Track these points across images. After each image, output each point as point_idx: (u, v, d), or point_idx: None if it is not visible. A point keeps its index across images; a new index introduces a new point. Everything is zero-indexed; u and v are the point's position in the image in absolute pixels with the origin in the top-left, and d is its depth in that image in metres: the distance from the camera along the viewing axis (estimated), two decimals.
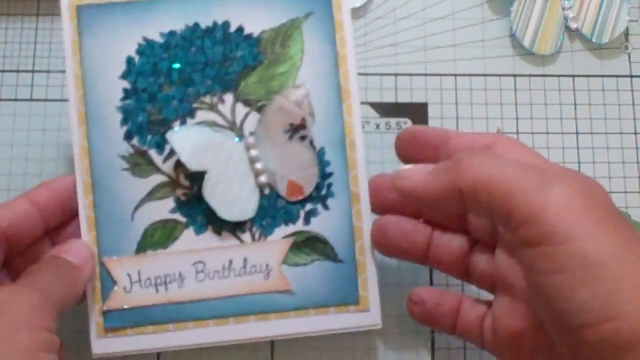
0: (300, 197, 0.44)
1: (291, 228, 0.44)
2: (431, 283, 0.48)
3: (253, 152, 0.43)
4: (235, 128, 0.43)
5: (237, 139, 0.44)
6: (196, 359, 0.46)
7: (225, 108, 0.44)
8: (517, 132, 0.51)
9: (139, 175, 0.43)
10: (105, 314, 0.43)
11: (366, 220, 0.44)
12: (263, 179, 0.43)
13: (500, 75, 0.53)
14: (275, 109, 0.43)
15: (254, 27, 0.45)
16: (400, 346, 0.48)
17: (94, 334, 0.43)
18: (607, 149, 0.51)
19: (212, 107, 0.44)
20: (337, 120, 0.44)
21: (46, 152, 0.50)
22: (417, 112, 0.51)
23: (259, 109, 0.44)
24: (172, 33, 0.44)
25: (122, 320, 0.43)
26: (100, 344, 0.43)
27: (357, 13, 0.52)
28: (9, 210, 0.42)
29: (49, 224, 0.43)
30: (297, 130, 0.43)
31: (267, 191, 0.44)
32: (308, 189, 0.44)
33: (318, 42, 0.45)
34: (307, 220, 0.44)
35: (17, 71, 0.51)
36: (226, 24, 0.44)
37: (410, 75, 0.52)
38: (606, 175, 0.51)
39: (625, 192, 0.51)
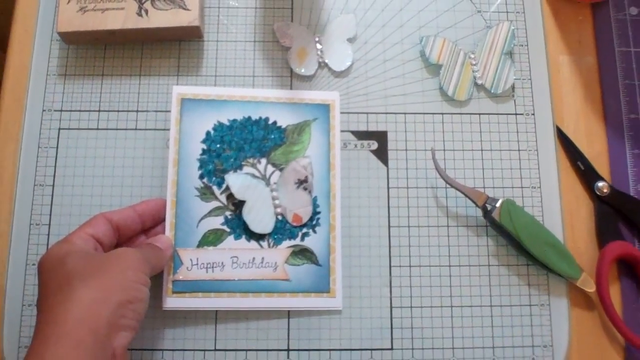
0: (299, 224, 0.61)
1: (292, 242, 0.61)
2: (391, 274, 0.61)
3: (274, 194, 0.61)
4: (265, 179, 0.61)
5: (266, 185, 0.61)
6: (232, 317, 0.59)
7: (261, 167, 0.62)
8: (444, 150, 0.65)
9: (204, 201, 0.61)
10: (174, 282, 0.59)
11: (338, 241, 0.60)
12: (279, 210, 0.61)
13: (433, 114, 0.67)
14: (290, 169, 0.61)
15: (283, 122, 0.63)
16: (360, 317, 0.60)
17: (165, 294, 0.58)
18: (501, 160, 0.65)
19: (253, 165, 0.61)
20: (326, 182, 0.62)
21: (145, 162, 0.63)
22: (381, 137, 0.66)
23: (281, 170, 0.61)
24: (234, 120, 0.62)
25: (183, 287, 0.59)
26: (169, 301, 0.58)
27: (342, 74, 0.67)
28: (119, 212, 0.56)
29: (145, 225, 0.59)
30: (302, 183, 0.61)
31: (280, 218, 0.61)
32: (305, 219, 0.61)
33: (319, 135, 0.63)
34: (302, 238, 0.61)
35: (127, 111, 0.66)
36: (267, 119, 0.63)
37: (377, 113, 0.66)
38: (500, 177, 0.65)
39: (512, 187, 0.65)
